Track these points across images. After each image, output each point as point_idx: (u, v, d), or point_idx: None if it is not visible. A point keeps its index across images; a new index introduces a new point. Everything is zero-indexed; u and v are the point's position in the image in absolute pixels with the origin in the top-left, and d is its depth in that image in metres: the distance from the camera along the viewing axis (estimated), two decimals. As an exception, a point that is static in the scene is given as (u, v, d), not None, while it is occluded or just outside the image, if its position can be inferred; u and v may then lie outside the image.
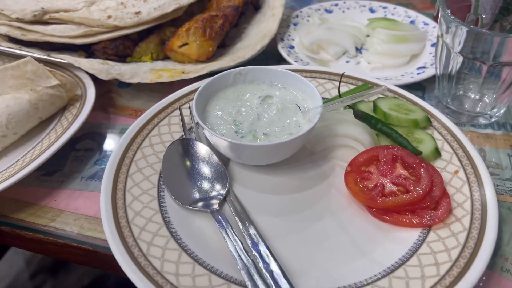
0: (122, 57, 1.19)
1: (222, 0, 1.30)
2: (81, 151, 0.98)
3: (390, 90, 1.02)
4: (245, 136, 0.86)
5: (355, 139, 0.90)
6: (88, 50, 1.20)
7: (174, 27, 1.27)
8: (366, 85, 1.03)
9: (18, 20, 1.16)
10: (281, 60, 1.21)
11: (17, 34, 1.14)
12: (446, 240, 0.73)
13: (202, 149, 0.89)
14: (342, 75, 0.97)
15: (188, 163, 0.87)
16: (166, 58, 1.22)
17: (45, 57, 1.09)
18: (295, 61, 1.15)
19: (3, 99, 0.95)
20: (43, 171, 0.93)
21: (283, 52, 1.18)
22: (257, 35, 1.22)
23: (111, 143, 1.01)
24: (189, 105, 1.00)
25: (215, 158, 0.87)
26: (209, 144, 0.90)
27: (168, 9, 1.21)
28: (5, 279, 2.21)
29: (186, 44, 1.14)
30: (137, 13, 1.19)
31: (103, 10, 1.21)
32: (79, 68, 1.08)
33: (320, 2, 1.54)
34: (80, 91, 1.05)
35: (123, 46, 1.18)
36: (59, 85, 0.99)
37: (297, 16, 1.35)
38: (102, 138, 1.02)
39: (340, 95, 0.94)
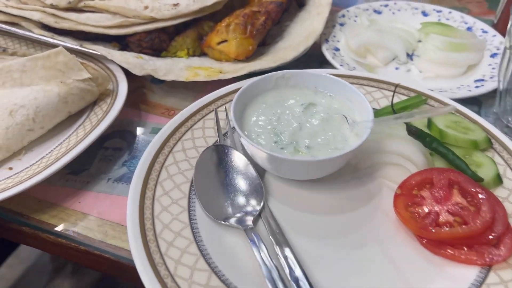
0: (157, 51, 1.13)
1: (265, -4, 1.22)
2: (109, 150, 0.93)
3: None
4: (285, 148, 0.78)
5: (406, 157, 0.82)
6: (122, 42, 1.14)
7: (212, 21, 1.20)
8: (420, 97, 0.94)
9: (52, 6, 1.11)
10: (325, 63, 1.13)
11: (50, 21, 1.09)
12: (510, 284, 0.64)
13: (237, 157, 0.82)
14: (396, 86, 0.88)
15: (222, 172, 0.80)
16: (202, 54, 1.15)
17: (78, 47, 1.04)
18: (341, 65, 1.07)
19: (31, 90, 0.90)
20: (69, 169, 0.88)
21: (328, 54, 1.10)
22: (300, 34, 1.14)
23: (141, 143, 0.95)
24: (225, 108, 0.93)
25: (251, 169, 0.81)
26: (245, 153, 0.83)
27: (207, 2, 1.14)
28: (26, 261, 2.22)
29: (225, 41, 1.07)
30: (175, 5, 1.12)
31: (140, 1, 1.15)
32: (111, 61, 1.03)
33: (368, 1, 1.44)
34: (112, 86, 1.00)
35: (159, 40, 1.12)
36: (90, 78, 0.93)
37: (343, 16, 1.26)
38: (132, 137, 0.97)
39: (393, 109, 0.86)
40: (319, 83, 0.90)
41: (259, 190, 0.78)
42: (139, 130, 0.98)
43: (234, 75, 0.99)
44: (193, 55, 1.14)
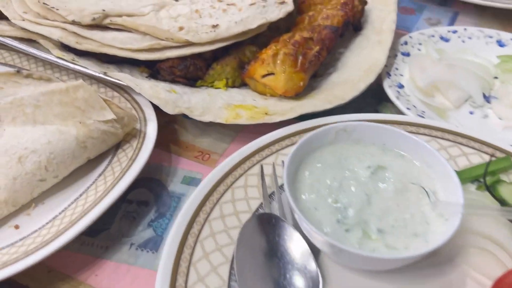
0: (192, 80, 0.98)
1: (317, 17, 1.05)
2: (133, 204, 0.79)
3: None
4: (351, 230, 0.63)
5: (500, 244, 0.66)
6: (152, 67, 0.99)
7: (255, 45, 1.04)
8: (509, 160, 0.77)
9: (74, 23, 0.96)
10: (385, 99, 0.97)
11: (71, 41, 0.95)
12: None
13: (287, 233, 0.67)
14: (491, 158, 0.72)
15: (268, 253, 0.65)
16: (243, 84, 1.00)
17: (101, 75, 0.90)
18: (407, 108, 0.90)
19: (45, 131, 0.76)
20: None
21: (391, 94, 0.93)
22: (358, 66, 0.97)
23: (171, 198, 0.81)
24: (273, 165, 0.78)
25: (304, 247, 0.65)
26: (295, 224, 0.68)
27: (252, 24, 0.99)
28: None
29: (271, 73, 0.91)
30: (214, 26, 0.97)
31: (173, 18, 1.00)
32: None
33: (432, 25, 1.26)
34: (139, 125, 0.85)
35: (194, 67, 0.96)
36: (114, 119, 0.79)
37: (405, 43, 1.09)
38: (160, 188, 0.82)
39: (487, 187, 0.69)
40: (388, 139, 0.74)
41: (315, 278, 0.63)
42: (168, 179, 0.84)
43: (282, 119, 0.84)
44: (233, 86, 0.99)
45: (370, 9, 1.10)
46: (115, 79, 0.89)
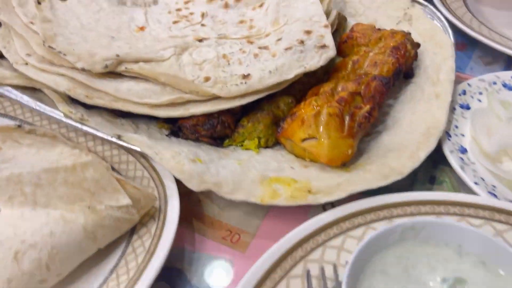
0: (218, 139, 0.84)
1: (362, 63, 0.91)
2: (149, 305, 0.66)
3: None
4: None
5: None
6: (172, 121, 0.86)
7: (290, 95, 0.90)
8: None
9: (84, 71, 0.83)
10: (439, 161, 0.83)
11: (80, 94, 0.81)
12: None
13: None
14: None
15: None
16: (277, 142, 0.86)
17: (114, 139, 0.77)
18: (475, 183, 0.76)
19: (47, 219, 0.64)
20: None
21: (455, 162, 0.79)
22: (414, 127, 0.83)
23: (195, 296, 0.68)
24: (322, 269, 0.64)
25: None
26: None
27: (288, 74, 0.85)
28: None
29: (312, 137, 0.77)
30: (245, 77, 0.83)
31: (198, 65, 0.86)
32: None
33: (487, 63, 1.11)
34: (158, 202, 0.72)
35: (222, 126, 0.83)
36: (130, 204, 0.66)
37: (464, 93, 0.94)
38: (182, 280, 0.69)
39: None
40: (464, 239, 0.60)
41: None
42: (192, 269, 0.71)
43: (329, 200, 0.70)
44: (266, 146, 0.85)
45: (422, 52, 0.96)
46: (131, 144, 0.76)
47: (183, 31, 0.98)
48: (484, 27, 1.13)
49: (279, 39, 0.92)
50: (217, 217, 0.78)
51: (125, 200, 0.65)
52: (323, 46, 0.88)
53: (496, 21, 1.19)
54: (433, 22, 1.00)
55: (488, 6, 1.25)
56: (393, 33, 0.94)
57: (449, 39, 0.95)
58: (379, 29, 0.97)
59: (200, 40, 0.94)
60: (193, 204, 0.80)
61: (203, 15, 1.04)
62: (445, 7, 1.13)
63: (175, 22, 1.01)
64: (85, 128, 0.78)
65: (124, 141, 0.76)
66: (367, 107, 0.79)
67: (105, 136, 0.77)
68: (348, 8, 1.12)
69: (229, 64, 0.87)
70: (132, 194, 0.67)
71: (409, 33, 0.96)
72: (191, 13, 1.05)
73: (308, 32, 0.92)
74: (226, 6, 1.07)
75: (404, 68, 0.90)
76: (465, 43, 1.14)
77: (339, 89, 0.86)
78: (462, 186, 0.80)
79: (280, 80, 0.84)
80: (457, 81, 1.04)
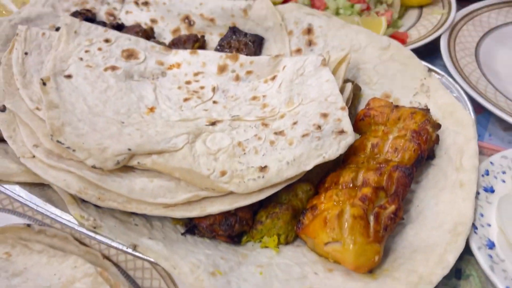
0: (236, 237, 0.81)
1: (382, 147, 0.88)
2: None
3: None
4: None
5: None
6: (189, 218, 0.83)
7: (308, 183, 0.87)
8: None
9: (94, 169, 0.80)
10: (466, 251, 0.79)
11: (91, 196, 0.78)
12: None
13: None
14: None
15: None
16: (297, 237, 0.83)
17: (129, 251, 0.73)
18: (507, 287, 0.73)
19: None
20: None
21: (484, 262, 0.76)
22: (439, 222, 0.80)
23: None
24: None
25: None
26: None
27: (307, 165, 0.82)
28: None
29: (337, 241, 0.74)
30: (263, 169, 0.80)
31: (213, 155, 0.83)
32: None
33: (505, 128, 1.08)
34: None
35: (240, 224, 0.80)
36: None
37: (487, 173, 0.91)
38: None
39: None
40: None
41: None
42: None
43: (359, 318, 0.67)
44: (286, 242, 0.82)
45: (443, 130, 0.92)
46: (147, 256, 0.72)
47: (195, 111, 0.95)
48: (500, 95, 1.10)
49: (294, 123, 0.89)
50: (239, 327, 0.75)
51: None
52: (341, 132, 0.85)
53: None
54: (452, 96, 0.97)
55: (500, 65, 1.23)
56: (413, 113, 0.91)
57: (470, 117, 0.92)
58: (397, 106, 0.94)
59: (213, 123, 0.91)
60: (213, 312, 0.76)
61: (214, 89, 1.01)
62: (459, 74, 1.10)
63: (185, 100, 0.98)
64: (98, 237, 0.74)
65: (140, 252, 0.73)
66: (392, 208, 0.76)
67: (119, 247, 0.73)
68: (361, 75, 1.09)
69: (244, 153, 0.84)
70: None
71: (428, 110, 0.93)
72: (202, 87, 1.02)
73: (324, 116, 0.89)
74: (237, 78, 1.04)
75: (426, 153, 0.87)
76: (482, 107, 1.11)
77: (360, 178, 0.83)
78: (490, 282, 0.77)
79: (299, 172, 0.81)
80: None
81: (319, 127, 0.86)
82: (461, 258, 0.83)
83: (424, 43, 1.23)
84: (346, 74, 1.03)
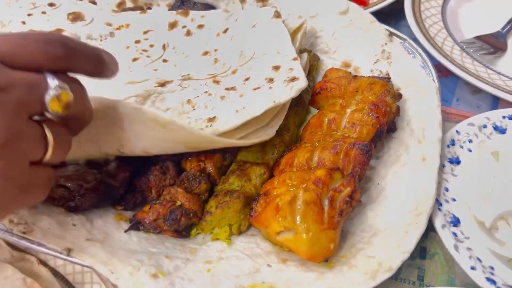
0: (184, 231, 0.76)
1: (338, 123, 0.81)
2: None
3: None
4: None
5: None
6: (131, 207, 0.77)
7: (262, 165, 0.81)
8: None
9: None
10: (430, 227, 0.75)
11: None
12: None
13: None
14: None
15: None
16: (250, 226, 0.77)
17: (64, 256, 0.67)
18: (472, 267, 0.68)
19: None
20: None
21: (447, 241, 0.72)
22: (401, 201, 0.75)
23: None
24: None
25: None
26: None
27: (257, 110, 0.76)
28: None
29: (289, 230, 0.69)
30: (211, 119, 0.77)
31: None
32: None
33: (474, 91, 1.02)
34: (119, 329, 0.63)
35: (187, 217, 0.74)
36: None
37: (452, 143, 0.86)
38: None
39: None
40: None
41: None
42: None
43: (314, 314, 0.62)
44: (239, 232, 0.76)
45: (405, 100, 0.86)
46: (82, 261, 0.66)
47: (144, 72, 0.89)
48: (467, 57, 1.03)
49: (247, 79, 0.84)
50: (190, 327, 0.70)
51: None
52: (293, 79, 0.80)
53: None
54: (414, 62, 0.90)
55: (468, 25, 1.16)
56: (371, 83, 0.84)
57: (433, 84, 0.86)
58: (355, 77, 0.87)
59: (163, 85, 0.85)
60: (162, 312, 0.71)
61: (164, 47, 0.95)
62: (424, 36, 1.03)
63: (134, 60, 0.92)
64: (29, 244, 0.67)
65: (74, 257, 0.66)
66: (347, 190, 0.70)
67: (52, 253, 0.67)
68: (319, 43, 1.01)
69: (194, 109, 0.80)
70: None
71: (389, 79, 0.87)
72: (151, 45, 0.96)
73: (276, 68, 0.84)
74: (188, 33, 0.98)
75: (385, 127, 0.81)
76: (450, 70, 1.05)
77: (315, 159, 0.77)
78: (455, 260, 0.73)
79: (249, 118, 0.75)
80: (444, 117, 0.96)
81: (271, 79, 0.82)
82: (426, 235, 0.80)
83: (388, 3, 1.15)
84: (302, 43, 0.96)
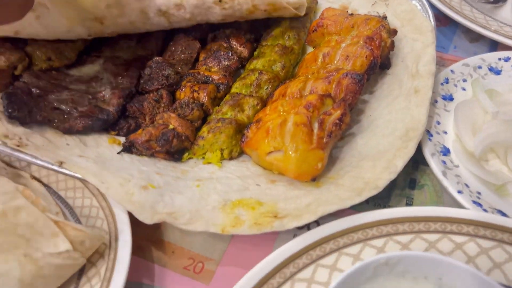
0: (176, 154, 0.77)
1: (333, 55, 0.82)
2: None
3: None
4: None
5: None
6: (124, 132, 0.79)
7: (256, 97, 0.82)
8: None
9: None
10: (420, 161, 0.76)
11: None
12: None
13: None
14: None
15: None
16: (242, 153, 0.78)
17: (55, 167, 0.68)
18: (458, 191, 0.69)
19: (-23, 273, 0.56)
20: None
21: (436, 168, 0.72)
22: (391, 129, 0.75)
23: None
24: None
25: None
26: None
27: None
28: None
29: (279, 150, 0.70)
30: None
31: None
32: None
33: (472, 39, 1.02)
34: (109, 236, 0.65)
35: (179, 140, 0.75)
36: (70, 249, 0.58)
37: (446, 81, 0.86)
38: (140, 324, 0.63)
39: None
40: (445, 272, 0.54)
41: None
42: (151, 309, 0.64)
43: (298, 225, 0.63)
44: (230, 157, 0.77)
45: (401, 38, 0.86)
46: (74, 172, 0.67)
47: None
48: (465, 4, 1.02)
49: None
50: (179, 243, 0.72)
51: (65, 245, 0.58)
52: None
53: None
54: (411, 3, 0.90)
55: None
56: (367, 19, 0.84)
57: (429, 23, 0.86)
58: (352, 14, 0.87)
59: None
60: (152, 230, 0.72)
61: None
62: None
63: None
64: (22, 156, 0.69)
65: (66, 168, 0.68)
66: (337, 113, 0.71)
67: (45, 164, 0.68)
68: (318, -14, 1.02)
69: None
70: (74, 236, 0.59)
71: (385, 18, 0.87)
72: None
73: None
74: None
75: (379, 60, 0.81)
76: (448, 18, 1.04)
77: (308, 89, 0.78)
78: (445, 191, 0.73)
79: None
80: (440, 63, 0.96)
81: None
82: (416, 168, 0.80)
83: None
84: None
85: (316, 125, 0.70)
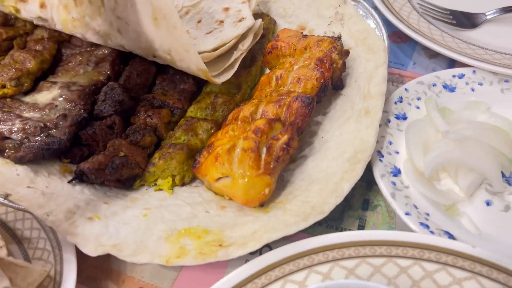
0: (127, 182, 0.76)
1: (285, 79, 0.82)
2: None
3: None
4: None
5: None
6: (76, 159, 0.78)
7: (211, 121, 0.82)
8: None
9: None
10: (375, 182, 0.75)
11: None
12: None
13: None
14: None
15: None
16: (194, 178, 0.78)
17: (0, 200, 0.68)
18: (406, 213, 0.69)
19: None
20: None
21: (385, 189, 0.72)
22: (341, 151, 0.75)
23: None
24: None
25: None
26: None
27: (205, 47, 0.85)
28: None
29: (227, 176, 0.70)
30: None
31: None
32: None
33: (431, 55, 1.03)
34: (54, 268, 0.64)
35: (128, 167, 0.74)
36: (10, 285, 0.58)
37: (400, 100, 0.86)
38: None
39: None
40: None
41: None
42: None
43: (242, 253, 0.63)
44: (182, 183, 0.77)
45: (354, 58, 0.87)
46: (19, 205, 0.67)
47: None
48: (424, 21, 1.03)
49: (199, 21, 0.91)
50: (129, 272, 0.71)
51: (3, 283, 0.57)
52: (241, 19, 0.89)
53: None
54: (366, 23, 0.91)
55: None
56: (319, 40, 0.85)
57: (382, 42, 0.86)
58: (306, 36, 0.88)
59: None
60: (101, 259, 0.72)
61: None
62: (381, 1, 1.03)
63: None
64: (-33, 190, 0.68)
65: (13, 202, 0.67)
66: (284, 138, 0.71)
67: (-10, 195, 0.68)
68: (277, 8, 1.02)
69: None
70: (16, 272, 0.59)
71: (339, 38, 0.87)
72: None
73: (226, 10, 0.92)
74: None
75: (330, 82, 0.81)
76: (407, 36, 1.05)
77: (260, 113, 0.78)
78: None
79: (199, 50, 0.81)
80: (399, 80, 0.97)
81: (221, 22, 0.89)
82: (370, 188, 0.80)
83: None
84: (258, 8, 0.97)
85: (264, 150, 0.70)
